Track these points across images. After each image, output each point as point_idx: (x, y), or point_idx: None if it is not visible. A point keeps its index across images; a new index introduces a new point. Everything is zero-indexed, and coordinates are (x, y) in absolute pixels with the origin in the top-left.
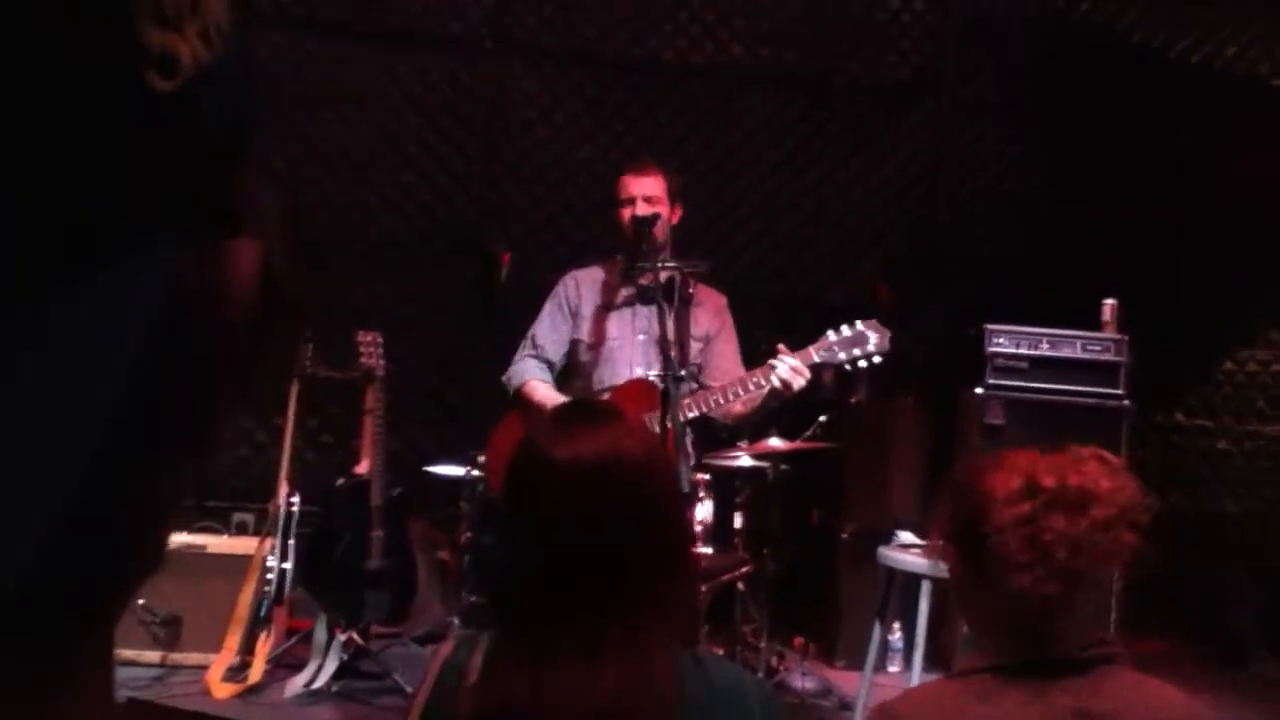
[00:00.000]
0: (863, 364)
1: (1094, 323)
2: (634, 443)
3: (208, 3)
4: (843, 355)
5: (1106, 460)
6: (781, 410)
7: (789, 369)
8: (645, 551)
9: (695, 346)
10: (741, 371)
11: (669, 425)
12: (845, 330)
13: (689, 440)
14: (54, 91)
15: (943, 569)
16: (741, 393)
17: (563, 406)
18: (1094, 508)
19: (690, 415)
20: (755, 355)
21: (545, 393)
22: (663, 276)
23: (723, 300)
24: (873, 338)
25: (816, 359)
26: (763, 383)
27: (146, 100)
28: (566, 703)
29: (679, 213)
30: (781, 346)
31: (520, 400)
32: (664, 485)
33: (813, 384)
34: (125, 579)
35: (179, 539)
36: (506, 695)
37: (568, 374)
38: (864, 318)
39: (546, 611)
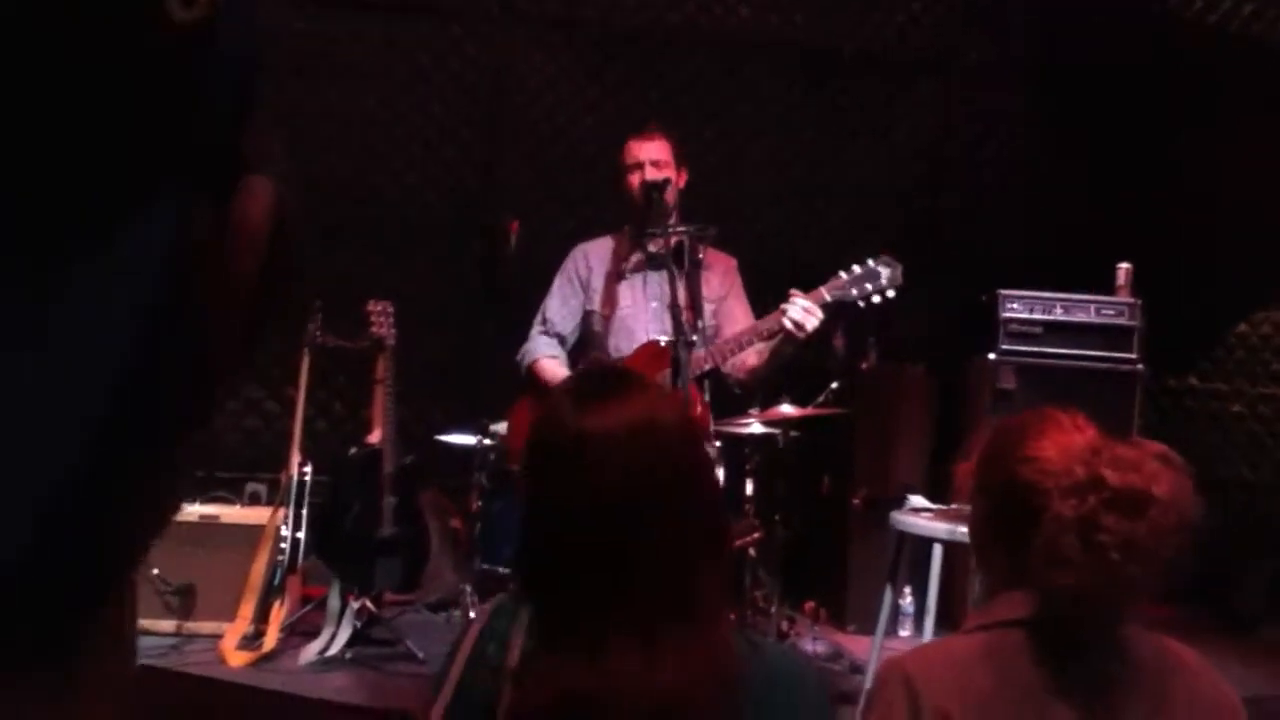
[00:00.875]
0: (876, 299)
1: (1105, 290)
2: (668, 408)
3: None
4: (855, 292)
5: (1169, 460)
6: (796, 359)
7: (801, 309)
8: (692, 525)
9: (708, 309)
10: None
11: (679, 389)
12: (856, 268)
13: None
14: (69, 28)
15: (957, 533)
16: (755, 339)
17: (582, 373)
18: (1152, 510)
19: (705, 368)
20: None
21: (555, 370)
22: (673, 241)
23: (733, 262)
24: (884, 272)
25: (829, 298)
26: (775, 327)
27: (164, 35)
28: (626, 696)
29: (684, 176)
30: (794, 290)
31: (532, 379)
32: (702, 451)
33: (824, 349)
34: (127, 560)
35: (192, 509)
36: (557, 687)
37: (583, 345)
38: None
39: (591, 598)
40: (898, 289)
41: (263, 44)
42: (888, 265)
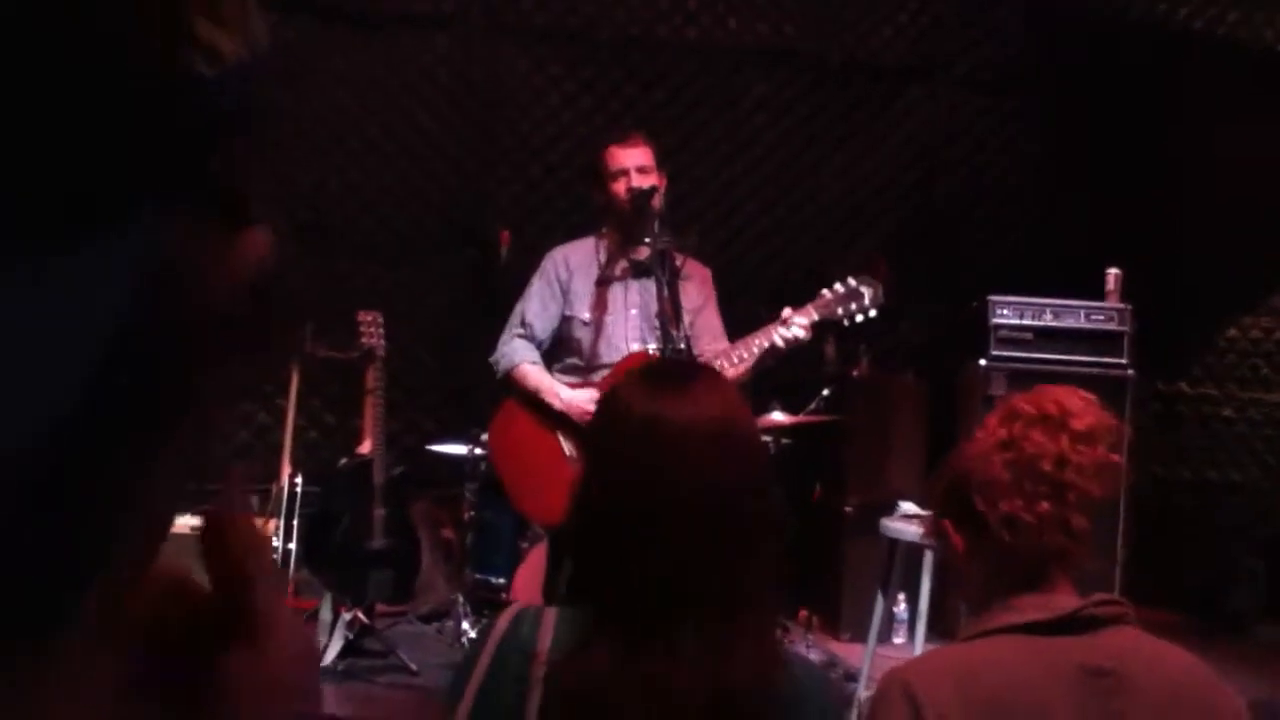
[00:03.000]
0: (860, 319)
1: (1097, 294)
2: (742, 403)
3: (254, 18)
4: (840, 311)
5: (1078, 390)
6: (777, 369)
7: (798, 328)
8: (754, 525)
9: (687, 319)
10: (725, 342)
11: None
12: (839, 287)
13: None
14: (72, 54)
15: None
16: (746, 355)
17: (657, 363)
18: (1071, 421)
19: None
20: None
21: (538, 376)
22: (660, 249)
23: (708, 272)
24: (866, 293)
25: (817, 316)
26: (765, 343)
27: (169, 72)
28: (675, 691)
29: (664, 181)
30: (788, 310)
31: (512, 384)
32: (766, 454)
33: (815, 357)
34: (91, 573)
35: (183, 521)
36: (601, 680)
37: (560, 351)
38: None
39: (643, 589)
40: (879, 308)
41: (270, 76)
42: (869, 285)
